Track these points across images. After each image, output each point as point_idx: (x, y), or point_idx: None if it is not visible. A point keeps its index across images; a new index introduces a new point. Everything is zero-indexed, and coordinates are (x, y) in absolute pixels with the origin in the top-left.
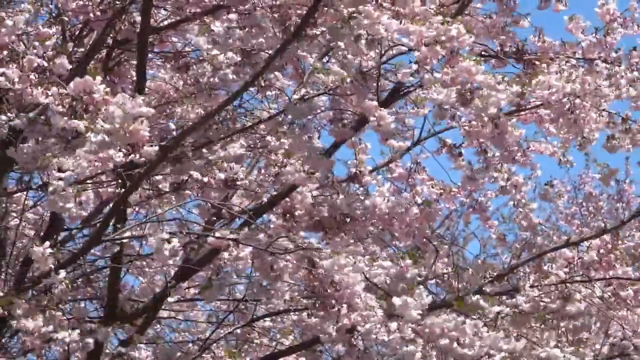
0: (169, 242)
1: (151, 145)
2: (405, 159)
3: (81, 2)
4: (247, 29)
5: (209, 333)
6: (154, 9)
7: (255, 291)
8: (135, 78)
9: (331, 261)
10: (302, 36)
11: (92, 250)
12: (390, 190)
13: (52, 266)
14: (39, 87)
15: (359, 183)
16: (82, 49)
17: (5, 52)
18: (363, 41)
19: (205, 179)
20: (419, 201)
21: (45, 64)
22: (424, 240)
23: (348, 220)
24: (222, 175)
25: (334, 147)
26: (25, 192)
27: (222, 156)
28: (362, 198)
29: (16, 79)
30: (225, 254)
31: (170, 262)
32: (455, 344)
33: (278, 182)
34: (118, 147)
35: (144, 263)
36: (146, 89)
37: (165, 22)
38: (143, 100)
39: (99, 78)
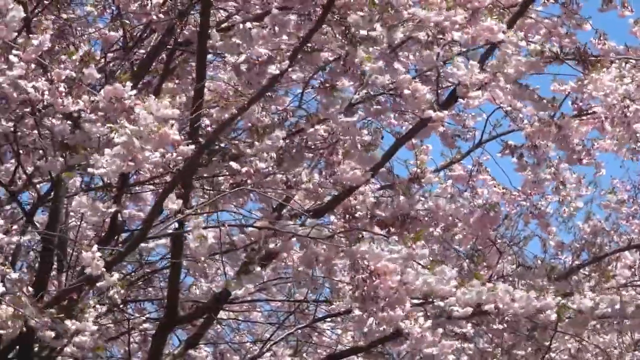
0: (206, 238)
1: (187, 144)
2: (466, 161)
3: (143, 3)
4: (269, 28)
5: (269, 334)
6: (215, 10)
7: (303, 283)
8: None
9: (355, 247)
10: (363, 38)
11: (154, 251)
12: (451, 191)
13: (104, 269)
14: (69, 97)
15: (419, 184)
16: (144, 51)
17: (33, 66)
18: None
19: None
20: (480, 203)
21: (74, 75)
22: (486, 241)
23: (410, 220)
24: (262, 165)
25: (394, 147)
26: (86, 193)
27: (261, 148)
28: (425, 198)
29: (46, 91)
30: (271, 245)
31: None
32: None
33: (336, 184)
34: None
35: (205, 264)
36: (205, 90)
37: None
38: (170, 103)
39: (129, 84)
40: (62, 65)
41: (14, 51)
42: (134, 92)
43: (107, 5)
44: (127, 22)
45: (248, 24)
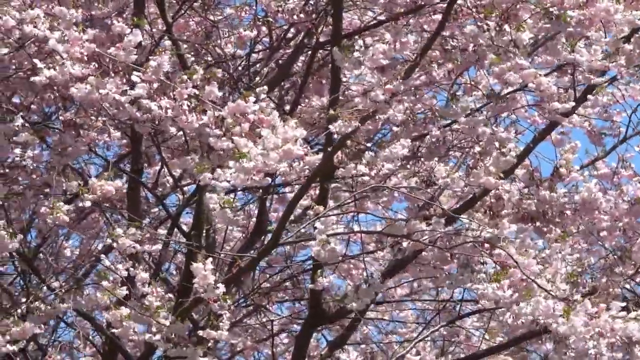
0: (329, 242)
1: (315, 153)
2: (611, 158)
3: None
4: (389, 43)
5: (415, 334)
6: (359, 10)
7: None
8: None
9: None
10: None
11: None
12: (596, 188)
13: (213, 281)
14: (192, 113)
15: (561, 180)
16: (289, 51)
17: (155, 85)
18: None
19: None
20: (626, 199)
21: (196, 92)
22: (631, 236)
23: (555, 215)
24: (390, 166)
25: (533, 142)
26: (233, 195)
27: (384, 156)
28: (570, 194)
29: (169, 107)
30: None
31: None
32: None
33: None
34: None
35: (351, 264)
36: (350, 91)
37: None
38: (296, 123)
39: (251, 99)
40: (183, 84)
41: (135, 72)
42: (257, 107)
43: (248, 6)
44: (272, 20)
45: (369, 39)
